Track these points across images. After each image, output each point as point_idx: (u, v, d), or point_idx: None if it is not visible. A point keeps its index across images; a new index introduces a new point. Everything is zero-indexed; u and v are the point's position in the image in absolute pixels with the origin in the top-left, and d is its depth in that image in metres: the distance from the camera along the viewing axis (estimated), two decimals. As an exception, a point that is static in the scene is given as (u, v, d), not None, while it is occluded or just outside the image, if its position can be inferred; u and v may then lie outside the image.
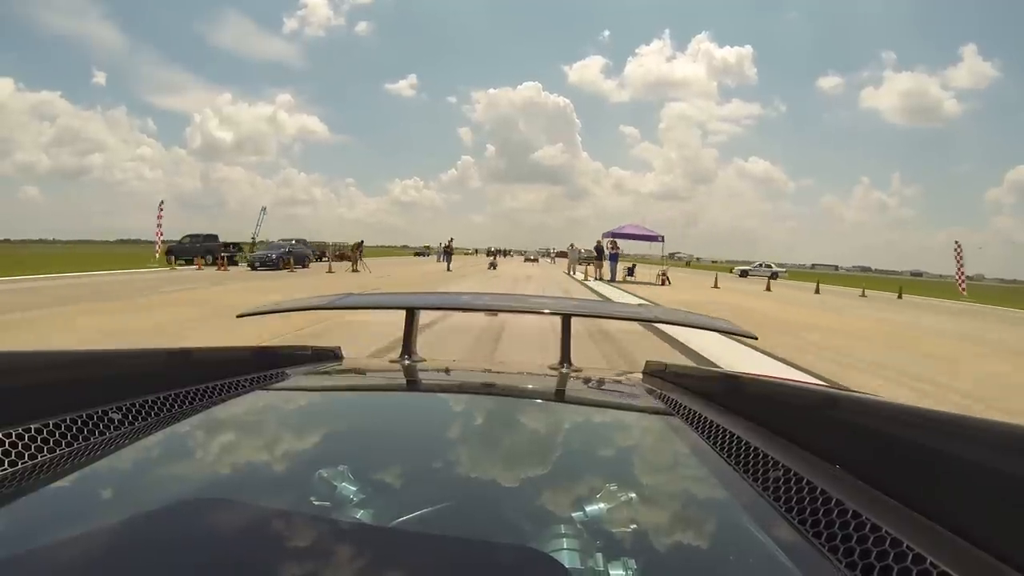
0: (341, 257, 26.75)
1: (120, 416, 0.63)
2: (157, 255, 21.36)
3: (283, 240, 25.94)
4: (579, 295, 13.16)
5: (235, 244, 24.84)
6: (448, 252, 26.92)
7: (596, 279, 19.72)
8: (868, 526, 0.41)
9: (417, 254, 69.83)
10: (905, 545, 0.37)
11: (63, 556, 0.35)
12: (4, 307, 7.47)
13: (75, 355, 0.68)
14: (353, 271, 20.56)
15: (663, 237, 21.78)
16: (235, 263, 21.60)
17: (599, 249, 20.55)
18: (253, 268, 19.83)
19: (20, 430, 0.53)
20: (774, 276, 33.43)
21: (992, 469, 0.39)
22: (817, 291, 20.23)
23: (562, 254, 33.51)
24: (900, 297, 20.56)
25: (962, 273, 24.25)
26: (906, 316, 12.90)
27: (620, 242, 21.43)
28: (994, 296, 27.09)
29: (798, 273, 52.74)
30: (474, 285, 15.93)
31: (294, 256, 21.15)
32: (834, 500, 0.45)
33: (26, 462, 0.51)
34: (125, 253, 34.92)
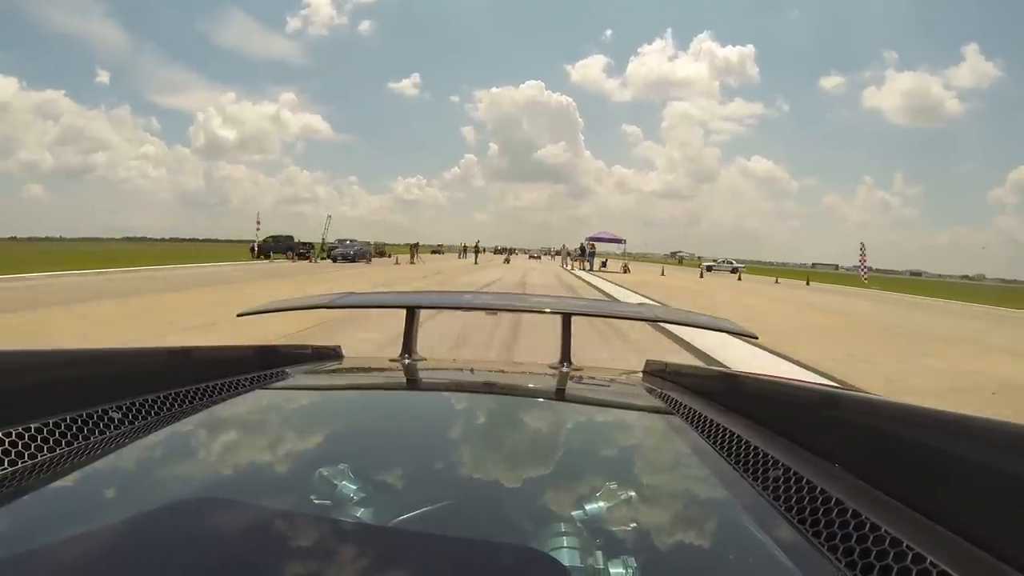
0: (380, 254, 35.17)
1: (120, 415, 0.64)
2: (254, 251, 29.97)
3: (339, 239, 34.30)
4: (566, 278, 21.62)
5: (308, 244, 33.27)
6: (476, 250, 36.95)
7: (580, 270, 28.19)
8: (868, 525, 0.41)
9: (433, 251, 78.97)
10: (905, 545, 0.38)
11: (63, 556, 0.35)
12: (275, 274, 15.42)
13: (74, 354, 0.69)
14: (411, 263, 29.10)
15: (625, 240, 32.80)
16: (309, 258, 29.27)
17: (582, 248, 29.88)
18: (334, 261, 27.66)
19: (20, 429, 0.53)
20: (735, 271, 41.88)
21: (993, 469, 0.40)
22: (739, 278, 28.76)
23: (559, 252, 42.76)
24: (808, 284, 28.85)
25: (863, 264, 33.34)
26: (767, 289, 21.15)
27: (598, 243, 30.68)
28: (891, 285, 35.63)
29: (783, 271, 59.55)
30: (501, 271, 24.34)
31: (363, 253, 29.63)
32: (834, 499, 0.45)
33: (26, 462, 0.51)
34: (212, 249, 42.84)
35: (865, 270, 33.69)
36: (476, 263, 32.63)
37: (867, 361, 6.16)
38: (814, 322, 10.14)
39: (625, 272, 27.48)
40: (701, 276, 29.12)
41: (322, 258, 29.63)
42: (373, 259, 31.75)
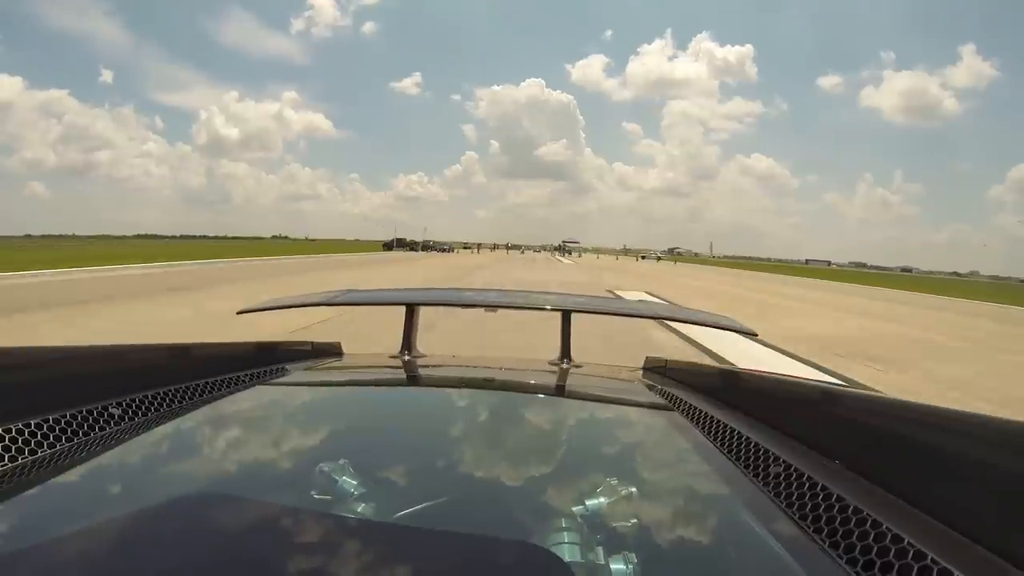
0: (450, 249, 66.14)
1: (120, 412, 0.64)
2: (386, 246, 60.00)
3: (424, 240, 64.62)
4: (549, 258, 51.82)
5: (416, 242, 63.42)
6: (508, 247, 70.64)
7: (559, 257, 58.31)
8: (868, 522, 0.41)
9: (465, 247, 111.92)
10: (906, 541, 0.38)
11: (64, 551, 0.36)
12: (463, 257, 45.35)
13: (74, 351, 0.71)
14: (476, 253, 59.39)
15: (579, 240, 74.80)
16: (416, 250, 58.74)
17: (558, 246, 65.31)
18: (439, 252, 56.44)
19: (20, 425, 0.54)
20: (658, 259, 72.69)
21: (992, 466, 0.40)
22: (638, 259, 59.33)
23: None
24: (675, 263, 58.63)
25: (711, 251, 68.65)
26: (635, 263, 50.68)
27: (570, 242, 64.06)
28: (729, 264, 66.55)
29: (743, 263, 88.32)
30: (522, 257, 53.79)
31: (451, 248, 60.05)
32: (835, 496, 0.46)
33: (26, 457, 0.52)
34: (346, 245, 73.57)
35: (714, 255, 68.94)
36: (507, 253, 63.51)
37: (599, 267, 35.46)
38: (618, 263, 40.01)
39: (579, 257, 57.96)
40: (617, 258, 59.58)
41: (424, 250, 58.53)
42: (451, 252, 61.25)
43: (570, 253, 67.36)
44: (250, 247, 46.26)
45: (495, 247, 77.68)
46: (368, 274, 17.18)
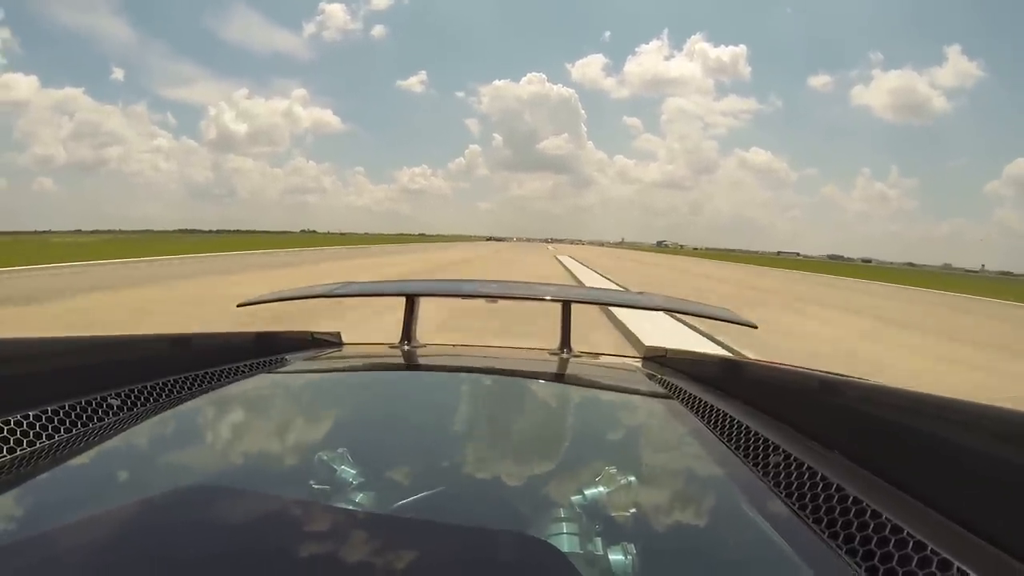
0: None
1: (119, 402, 0.65)
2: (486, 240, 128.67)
3: (504, 235, 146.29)
4: (544, 251, 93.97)
5: (495, 237, 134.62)
6: (527, 240, 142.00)
7: (544, 244, 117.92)
8: (867, 512, 0.42)
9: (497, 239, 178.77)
10: (905, 531, 0.39)
11: (62, 542, 0.36)
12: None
13: (73, 341, 0.70)
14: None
15: (552, 237, 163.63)
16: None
17: (547, 240, 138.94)
18: (505, 241, 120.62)
19: (19, 416, 0.55)
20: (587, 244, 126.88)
21: (991, 456, 0.41)
22: (598, 247, 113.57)
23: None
24: (605, 246, 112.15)
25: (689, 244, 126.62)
26: (579, 248, 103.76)
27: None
28: (676, 252, 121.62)
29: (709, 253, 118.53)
30: (533, 244, 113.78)
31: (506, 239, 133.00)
32: (835, 486, 0.46)
33: (25, 449, 0.53)
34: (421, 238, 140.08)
35: (695, 248, 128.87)
36: (524, 243, 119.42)
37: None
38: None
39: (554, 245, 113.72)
40: (579, 245, 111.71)
41: (499, 241, 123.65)
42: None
43: (551, 242, 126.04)
44: (342, 239, 61.80)
45: (516, 240, 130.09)
46: (488, 247, 51.61)
